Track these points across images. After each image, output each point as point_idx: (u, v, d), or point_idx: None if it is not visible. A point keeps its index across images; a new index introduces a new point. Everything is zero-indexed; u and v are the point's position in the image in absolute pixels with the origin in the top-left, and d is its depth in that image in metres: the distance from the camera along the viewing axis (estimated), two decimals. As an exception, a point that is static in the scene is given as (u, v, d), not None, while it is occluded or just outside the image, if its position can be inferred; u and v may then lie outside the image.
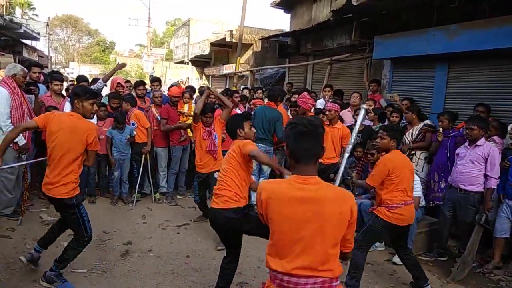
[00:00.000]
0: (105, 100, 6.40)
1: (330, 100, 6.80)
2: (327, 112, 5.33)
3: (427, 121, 5.54)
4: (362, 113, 3.30)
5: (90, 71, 37.89)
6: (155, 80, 7.68)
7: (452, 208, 4.53)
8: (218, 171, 4.77)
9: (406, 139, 5.50)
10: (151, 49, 37.12)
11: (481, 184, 4.32)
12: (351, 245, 1.94)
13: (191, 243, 4.69)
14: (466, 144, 4.50)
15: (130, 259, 4.20)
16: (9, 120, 4.64)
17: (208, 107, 5.00)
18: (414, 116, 5.50)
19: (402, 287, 3.98)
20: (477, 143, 4.33)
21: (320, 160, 5.27)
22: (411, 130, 5.51)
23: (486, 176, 4.27)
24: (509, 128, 4.70)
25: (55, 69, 25.82)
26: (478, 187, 4.33)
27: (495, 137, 4.72)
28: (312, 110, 6.27)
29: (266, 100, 6.79)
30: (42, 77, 6.08)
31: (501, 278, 4.21)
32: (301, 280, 1.78)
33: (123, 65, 7.06)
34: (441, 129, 5.13)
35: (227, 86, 14.51)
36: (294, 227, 1.78)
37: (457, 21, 5.72)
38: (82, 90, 3.41)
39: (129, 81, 8.17)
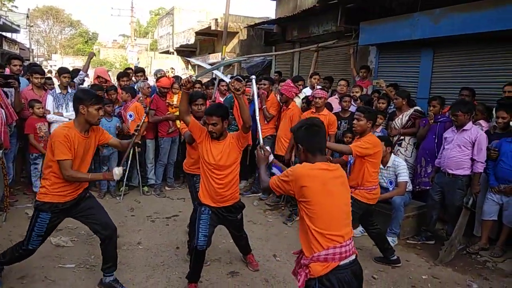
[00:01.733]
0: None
1: (319, 87, 6.78)
2: (317, 99, 5.29)
3: (417, 107, 5.56)
4: (253, 83, 3.45)
5: (74, 63, 37.08)
6: (139, 71, 7.58)
7: (440, 192, 4.57)
8: None
9: (396, 125, 5.52)
10: (135, 40, 36.60)
11: (468, 168, 4.36)
12: None
13: (180, 235, 4.67)
14: (454, 128, 4.52)
15: (120, 252, 4.09)
16: None
17: (197, 93, 4.34)
18: (404, 102, 5.50)
19: (390, 271, 4.03)
20: (465, 128, 4.35)
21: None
22: (400, 116, 5.52)
23: (473, 160, 4.31)
24: (494, 112, 4.74)
25: (37, 62, 25.27)
26: (465, 170, 4.36)
27: (481, 121, 4.76)
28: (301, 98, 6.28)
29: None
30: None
31: (487, 259, 4.30)
32: (349, 245, 2.19)
33: (92, 54, 7.11)
34: (431, 114, 5.13)
35: (213, 76, 14.38)
36: (338, 200, 2.21)
37: (442, 6, 5.72)
38: (86, 94, 3.13)
39: (131, 69, 8.08)
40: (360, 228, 4.68)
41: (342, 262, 2.13)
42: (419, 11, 6.15)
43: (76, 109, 3.10)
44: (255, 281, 3.70)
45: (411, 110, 5.48)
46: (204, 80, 8.60)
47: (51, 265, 3.79)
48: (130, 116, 5.89)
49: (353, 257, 2.20)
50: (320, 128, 2.34)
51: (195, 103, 4.07)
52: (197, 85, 6.80)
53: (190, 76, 3.26)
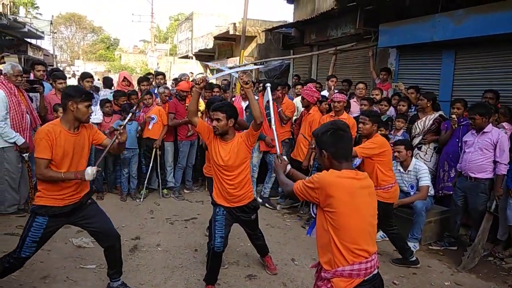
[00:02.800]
0: (110, 97, 6.41)
1: (336, 91, 6.73)
2: (335, 103, 5.24)
3: (441, 112, 5.43)
4: (268, 91, 3.44)
5: (96, 68, 37.98)
6: (159, 74, 7.69)
7: (463, 196, 4.47)
8: None
9: (417, 128, 5.40)
10: (155, 45, 37.15)
11: (490, 171, 4.26)
12: None
13: (199, 237, 4.70)
14: (473, 131, 4.43)
15: (139, 254, 4.22)
16: (3, 122, 4.62)
17: (214, 99, 4.30)
18: (428, 104, 5.34)
19: (412, 277, 3.96)
20: (485, 130, 4.26)
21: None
22: (423, 119, 5.37)
23: (495, 162, 4.21)
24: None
25: (61, 67, 25.89)
26: (488, 174, 4.27)
27: (504, 124, 4.64)
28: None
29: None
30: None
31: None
32: (375, 257, 2.10)
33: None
34: (455, 117, 4.98)
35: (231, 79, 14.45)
36: (365, 211, 2.08)
37: (463, 6, 5.61)
38: (76, 91, 3.02)
39: (151, 74, 8.22)
40: (380, 233, 4.60)
41: (366, 277, 2.03)
42: (440, 13, 6.04)
43: (64, 106, 3.00)
44: (273, 285, 3.69)
45: (436, 114, 5.33)
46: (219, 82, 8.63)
47: (72, 265, 3.86)
48: (153, 119, 5.97)
49: (376, 270, 2.09)
50: (346, 132, 2.17)
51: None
52: (216, 89, 6.84)
53: (206, 76, 3.25)
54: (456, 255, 4.43)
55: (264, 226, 5.10)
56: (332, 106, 5.35)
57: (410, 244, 4.38)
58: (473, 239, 4.37)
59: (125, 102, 6.18)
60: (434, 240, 4.78)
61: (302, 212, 5.65)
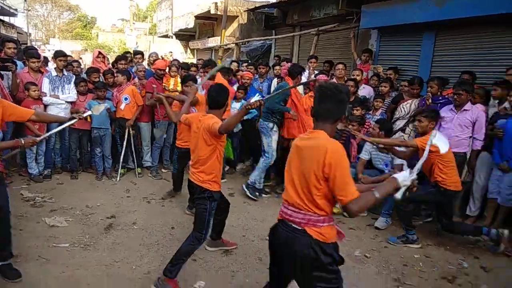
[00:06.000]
0: (84, 76, 6.21)
1: (316, 71, 6.69)
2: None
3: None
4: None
5: (72, 47, 36.82)
6: (138, 53, 7.50)
7: None
8: None
9: (402, 110, 5.39)
10: (134, 24, 36.23)
11: (466, 146, 4.44)
12: (344, 198, 1.97)
13: (176, 215, 4.66)
14: (452, 107, 4.51)
15: (114, 232, 4.15)
16: None
17: (188, 76, 4.96)
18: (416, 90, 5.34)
19: (383, 250, 4.04)
20: (465, 108, 4.38)
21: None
22: (409, 101, 5.35)
23: (471, 138, 4.38)
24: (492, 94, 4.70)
25: (36, 46, 24.96)
26: (463, 148, 4.45)
27: (478, 105, 4.71)
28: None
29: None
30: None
31: (478, 238, 4.29)
32: (294, 213, 2.12)
33: None
34: (429, 94, 5.05)
35: (212, 59, 14.25)
36: (293, 167, 2.15)
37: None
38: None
39: (129, 53, 7.96)
40: (384, 219, 4.60)
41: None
42: (422, -6, 6.03)
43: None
44: (249, 260, 3.70)
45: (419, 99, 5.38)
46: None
47: (45, 244, 3.77)
48: (126, 99, 5.81)
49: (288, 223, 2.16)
50: (332, 92, 2.07)
51: (185, 85, 4.66)
52: (193, 68, 6.70)
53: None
54: (426, 230, 4.55)
55: (241, 204, 5.12)
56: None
57: (383, 219, 4.49)
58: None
59: (98, 79, 6.01)
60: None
61: (279, 190, 5.65)
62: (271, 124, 5.30)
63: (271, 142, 5.35)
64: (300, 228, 2.09)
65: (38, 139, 3.30)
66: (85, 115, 3.66)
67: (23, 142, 3.08)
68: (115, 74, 5.99)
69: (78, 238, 3.95)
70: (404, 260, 3.86)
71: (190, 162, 3.35)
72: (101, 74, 6.22)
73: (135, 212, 4.70)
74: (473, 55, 5.76)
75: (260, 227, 4.43)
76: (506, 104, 4.49)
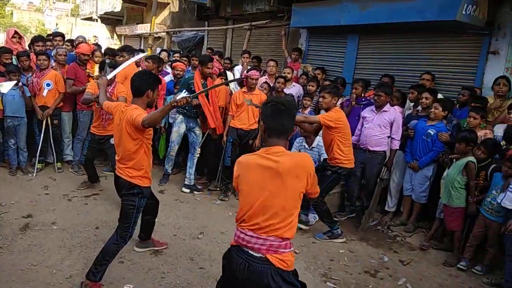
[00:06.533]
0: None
1: (249, 66, 6.74)
2: (253, 80, 5.25)
3: (348, 97, 5.73)
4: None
5: (-21, 25, 32.95)
6: (58, 35, 6.93)
7: (361, 167, 4.86)
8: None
9: None
10: (54, 3, 33.38)
11: (385, 144, 4.75)
12: (317, 191, 2.14)
13: (101, 214, 4.44)
14: (373, 108, 4.83)
15: (31, 233, 3.85)
16: None
17: (104, 62, 4.87)
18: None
19: (311, 246, 4.24)
20: (384, 109, 4.69)
21: (240, 126, 5.28)
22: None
23: (390, 137, 4.69)
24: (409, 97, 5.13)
25: None
26: (383, 147, 4.76)
27: (396, 107, 5.09)
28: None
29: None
30: None
31: (397, 234, 4.71)
32: (253, 239, 1.97)
33: None
34: (353, 95, 5.38)
35: (141, 47, 13.66)
36: (256, 189, 1.98)
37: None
38: None
39: (61, 34, 7.21)
40: (313, 215, 4.77)
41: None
42: (349, -3, 6.33)
43: None
44: (180, 260, 3.65)
45: (344, 99, 5.66)
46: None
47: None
48: (48, 85, 5.36)
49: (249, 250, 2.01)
50: (286, 107, 2.04)
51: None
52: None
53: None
54: (350, 225, 4.86)
55: (172, 201, 5.03)
56: (248, 82, 5.33)
57: (311, 216, 4.69)
58: (367, 207, 4.84)
59: (10, 60, 5.46)
60: (335, 211, 5.15)
61: (212, 187, 5.66)
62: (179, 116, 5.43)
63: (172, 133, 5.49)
64: (259, 255, 1.97)
65: None
66: None
67: None
68: (39, 58, 5.44)
69: (10, 239, 3.64)
70: (331, 255, 4.08)
71: (116, 157, 3.17)
72: (14, 56, 5.68)
73: (54, 211, 4.39)
74: (393, 59, 6.22)
75: (191, 226, 4.40)
76: (419, 107, 4.93)
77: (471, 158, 4.06)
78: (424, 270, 3.95)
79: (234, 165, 2.13)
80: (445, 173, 4.37)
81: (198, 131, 5.48)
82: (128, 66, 5.05)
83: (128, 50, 5.85)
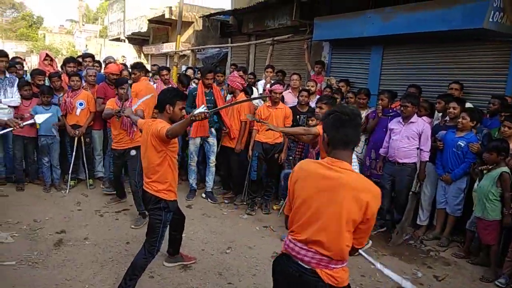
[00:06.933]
0: (29, 79, 5.89)
1: (272, 81, 6.81)
2: (277, 94, 5.30)
3: (373, 108, 5.66)
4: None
5: (16, 48, 34.69)
6: (88, 56, 7.20)
7: (391, 180, 4.77)
8: (134, 148, 4.68)
9: None
10: (83, 25, 34.86)
11: (415, 156, 4.64)
12: (363, 242, 1.96)
13: (131, 229, 4.52)
14: (400, 119, 4.74)
15: (64, 248, 3.97)
16: None
17: (121, 80, 5.04)
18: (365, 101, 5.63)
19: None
20: (411, 120, 4.60)
21: (265, 140, 5.31)
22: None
23: (419, 149, 4.58)
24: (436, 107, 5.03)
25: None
26: (412, 159, 4.64)
27: (424, 117, 4.99)
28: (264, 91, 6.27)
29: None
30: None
31: (430, 248, 4.56)
32: (302, 250, 1.91)
33: None
34: (380, 107, 5.30)
35: (167, 65, 14.01)
36: (311, 199, 1.90)
37: (392, 4, 5.92)
38: None
39: (91, 55, 7.53)
40: None
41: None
42: (370, 9, 6.33)
43: None
44: (208, 275, 3.67)
45: (369, 110, 5.60)
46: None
47: None
48: (81, 104, 5.58)
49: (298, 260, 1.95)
50: (350, 117, 1.93)
51: (121, 87, 4.78)
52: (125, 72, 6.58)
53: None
54: (382, 239, 4.74)
55: (200, 216, 5.07)
56: (272, 96, 5.38)
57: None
58: (397, 221, 4.72)
59: (43, 82, 5.72)
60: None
61: (238, 201, 5.68)
62: None
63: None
64: (308, 267, 1.90)
65: None
66: (24, 124, 3.52)
67: None
68: (72, 79, 5.68)
69: (26, 255, 3.74)
70: (362, 271, 3.99)
71: (144, 172, 3.25)
72: (46, 77, 5.94)
73: (86, 227, 4.51)
74: (419, 69, 6.12)
75: (219, 240, 4.42)
76: (447, 117, 4.82)
77: (505, 169, 3.92)
78: (460, 286, 3.81)
79: (294, 168, 2.06)
80: (476, 185, 4.23)
81: (212, 141, 5.67)
82: (139, 83, 5.65)
83: (139, 67, 6.04)
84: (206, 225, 4.81)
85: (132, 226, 4.58)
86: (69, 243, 4.06)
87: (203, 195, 5.76)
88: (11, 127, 3.46)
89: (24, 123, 3.62)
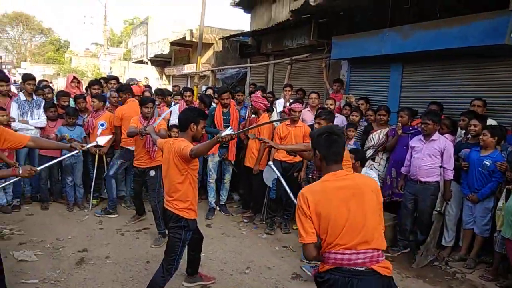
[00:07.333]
0: (54, 100, 6.12)
1: (291, 100, 6.84)
2: (296, 113, 5.32)
3: (393, 126, 5.60)
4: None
5: (44, 71, 36.11)
6: (112, 78, 7.43)
7: (413, 200, 4.66)
8: (153, 168, 4.76)
9: (373, 140, 5.53)
10: (108, 48, 36.02)
11: (438, 175, 4.53)
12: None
13: (151, 248, 4.55)
14: (421, 137, 4.65)
15: (86, 267, 4.02)
16: None
17: (145, 99, 5.13)
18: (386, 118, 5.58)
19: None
20: (433, 138, 4.51)
21: (284, 159, 5.28)
22: (378, 131, 5.52)
23: (442, 167, 4.47)
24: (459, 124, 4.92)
25: (5, 69, 24.38)
26: (436, 177, 4.53)
27: (446, 135, 4.90)
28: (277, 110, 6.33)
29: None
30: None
31: (456, 270, 4.39)
32: (353, 255, 2.07)
33: None
34: (399, 124, 5.23)
35: (188, 85, 14.30)
36: (343, 209, 2.11)
37: (410, 22, 5.91)
38: None
39: (115, 77, 7.78)
40: None
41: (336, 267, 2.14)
42: (388, 27, 6.33)
43: None
44: (227, 295, 3.64)
45: (389, 128, 5.54)
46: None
47: (12, 280, 3.59)
48: (102, 125, 5.73)
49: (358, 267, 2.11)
50: (339, 137, 2.30)
51: (146, 106, 4.83)
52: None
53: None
54: (405, 261, 4.60)
55: (219, 235, 5.06)
56: (291, 115, 5.40)
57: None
58: (421, 242, 4.58)
59: (68, 103, 5.92)
60: (388, 246, 4.92)
61: (257, 220, 5.65)
62: None
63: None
64: (363, 268, 2.07)
65: (38, 169, 3.22)
66: (88, 146, 3.78)
67: (20, 171, 3.00)
68: (92, 100, 5.89)
69: (48, 274, 3.81)
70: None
71: (165, 190, 3.29)
72: (71, 98, 6.14)
73: (108, 245, 4.57)
74: (440, 86, 6.03)
75: (238, 260, 4.39)
76: (469, 135, 4.72)
77: (533, 187, 3.78)
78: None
79: (304, 195, 2.17)
80: (500, 203, 4.08)
81: (216, 158, 5.86)
82: (123, 106, 5.70)
83: (123, 90, 5.90)
84: (225, 244, 4.80)
85: (152, 246, 4.61)
86: (90, 262, 4.12)
87: (217, 207, 5.99)
88: (76, 150, 3.60)
89: (88, 146, 3.86)
